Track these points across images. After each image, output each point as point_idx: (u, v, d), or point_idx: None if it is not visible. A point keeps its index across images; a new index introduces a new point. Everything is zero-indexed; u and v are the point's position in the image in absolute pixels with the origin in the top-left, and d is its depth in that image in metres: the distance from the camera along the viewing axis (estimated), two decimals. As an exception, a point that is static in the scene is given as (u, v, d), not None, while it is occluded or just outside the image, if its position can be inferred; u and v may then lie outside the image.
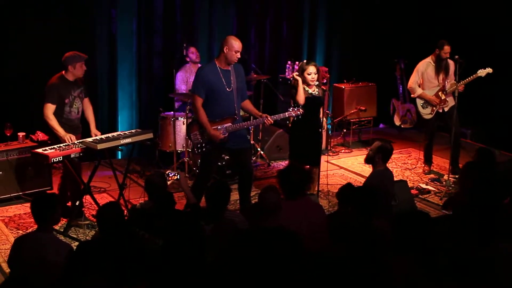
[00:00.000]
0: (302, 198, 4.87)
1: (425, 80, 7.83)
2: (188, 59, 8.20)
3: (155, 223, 4.53)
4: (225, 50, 5.94)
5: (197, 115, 6.05)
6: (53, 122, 6.14)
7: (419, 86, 7.86)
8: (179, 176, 5.23)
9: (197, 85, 6.01)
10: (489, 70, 7.58)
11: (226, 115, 6.03)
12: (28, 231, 5.96)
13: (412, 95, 8.04)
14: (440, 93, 7.77)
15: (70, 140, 6.05)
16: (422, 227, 3.92)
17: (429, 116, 7.89)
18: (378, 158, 5.79)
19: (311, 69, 6.55)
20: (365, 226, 4.46)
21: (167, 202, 4.67)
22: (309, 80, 6.53)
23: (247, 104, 6.25)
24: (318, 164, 6.76)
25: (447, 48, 7.57)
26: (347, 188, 5.08)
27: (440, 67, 7.72)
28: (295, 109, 6.24)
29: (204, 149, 6.08)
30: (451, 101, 7.76)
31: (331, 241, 4.39)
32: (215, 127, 6.00)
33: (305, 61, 6.80)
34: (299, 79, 6.50)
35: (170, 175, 5.29)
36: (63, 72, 6.20)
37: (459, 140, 7.91)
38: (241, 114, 6.24)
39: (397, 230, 3.95)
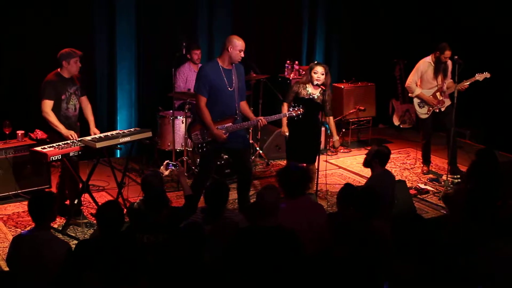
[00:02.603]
0: (302, 198, 4.87)
1: (424, 80, 7.81)
2: (189, 56, 8.19)
3: (148, 221, 4.52)
4: (229, 49, 5.91)
5: (201, 114, 5.97)
6: (52, 118, 6.12)
7: (417, 85, 7.86)
8: (178, 167, 5.23)
9: (200, 84, 5.95)
10: (486, 74, 7.52)
11: (227, 114, 6.01)
12: (26, 229, 5.95)
13: (409, 94, 8.03)
14: (438, 93, 7.77)
15: (72, 137, 6.05)
16: (418, 230, 3.91)
17: (425, 116, 7.88)
18: (375, 163, 5.80)
19: (319, 68, 6.60)
20: (365, 227, 4.45)
21: (158, 201, 4.66)
22: (314, 78, 6.58)
23: (244, 105, 6.22)
24: (313, 161, 6.79)
25: (448, 53, 7.52)
26: (347, 189, 5.06)
27: (439, 69, 7.70)
28: (295, 109, 6.25)
29: (204, 149, 6.07)
30: (447, 101, 7.77)
31: (332, 241, 4.38)
32: (216, 126, 5.97)
33: (315, 62, 6.89)
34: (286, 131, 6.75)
35: (169, 166, 5.28)
36: (59, 69, 6.21)
37: (455, 140, 7.91)
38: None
39: (396, 234, 3.93)
